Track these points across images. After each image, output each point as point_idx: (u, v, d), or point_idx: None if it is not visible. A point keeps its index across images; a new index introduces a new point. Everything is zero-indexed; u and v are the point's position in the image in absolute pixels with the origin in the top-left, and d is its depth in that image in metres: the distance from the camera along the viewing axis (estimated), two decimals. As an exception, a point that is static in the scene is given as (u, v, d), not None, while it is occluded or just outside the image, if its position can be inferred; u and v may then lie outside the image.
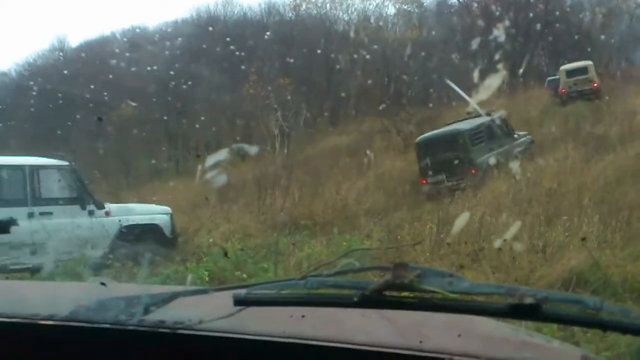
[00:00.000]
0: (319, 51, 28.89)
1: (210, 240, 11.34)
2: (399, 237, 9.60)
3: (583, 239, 7.11)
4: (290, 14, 35.50)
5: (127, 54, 31.79)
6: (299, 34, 32.00)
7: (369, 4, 35.62)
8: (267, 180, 15.13)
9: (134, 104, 24.99)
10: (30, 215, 9.24)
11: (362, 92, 28.02)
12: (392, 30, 35.01)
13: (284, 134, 24.93)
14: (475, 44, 16.07)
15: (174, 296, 1.54)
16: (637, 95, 19.12)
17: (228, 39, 28.86)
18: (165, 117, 26.22)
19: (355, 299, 1.32)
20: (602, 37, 28.37)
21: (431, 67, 27.03)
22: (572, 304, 1.33)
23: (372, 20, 35.08)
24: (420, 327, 1.53)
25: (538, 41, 29.37)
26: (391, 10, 36.02)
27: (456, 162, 13.36)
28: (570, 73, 23.32)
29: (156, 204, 11.56)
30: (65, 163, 10.27)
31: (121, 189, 20.83)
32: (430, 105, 23.51)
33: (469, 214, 8.76)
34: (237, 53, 26.08)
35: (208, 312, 1.48)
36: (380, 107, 21.77)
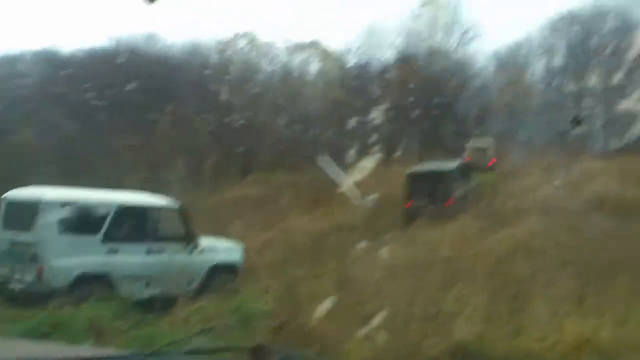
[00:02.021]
0: (238, 98, 29.02)
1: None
2: (296, 293, 9.62)
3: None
4: (214, 57, 35.52)
5: (31, 78, 30.72)
6: (220, 78, 32.03)
7: (293, 58, 36.26)
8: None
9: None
10: (148, 252, 10.19)
11: (277, 145, 28.25)
12: (313, 88, 35.71)
13: (191, 178, 24.63)
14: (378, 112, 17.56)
15: None
16: (530, 174, 20.28)
17: (145, 74, 28.49)
18: (65, 147, 25.29)
19: None
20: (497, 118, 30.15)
21: (346, 127, 27.66)
22: None
23: (295, 74, 35.65)
24: None
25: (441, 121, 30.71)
26: (314, 67, 36.83)
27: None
28: (475, 148, 25.09)
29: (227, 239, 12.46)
30: (178, 204, 11.06)
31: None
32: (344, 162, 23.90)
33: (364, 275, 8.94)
34: (153, 90, 25.77)
35: None
36: (294, 162, 22.01)
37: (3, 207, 10.09)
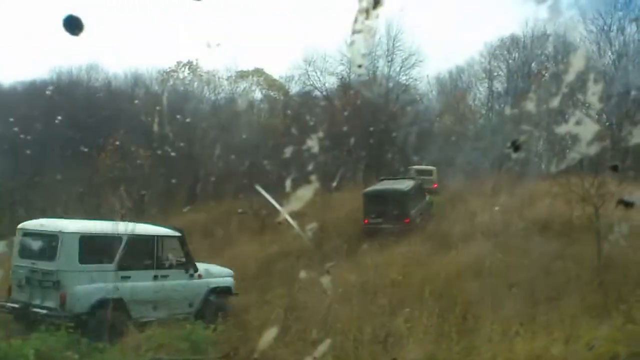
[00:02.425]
0: (181, 127, 28.65)
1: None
2: (246, 320, 9.43)
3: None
4: (155, 87, 35.16)
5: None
6: (162, 108, 31.61)
7: (236, 87, 36.17)
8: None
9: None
10: (155, 277, 10.82)
11: (223, 173, 27.94)
12: (257, 115, 35.64)
13: (137, 208, 24.11)
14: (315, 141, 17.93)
15: None
16: (476, 199, 20.54)
17: (88, 105, 27.97)
18: (6, 180, 24.55)
19: None
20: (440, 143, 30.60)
21: (289, 155, 27.53)
22: None
23: (238, 103, 35.55)
24: None
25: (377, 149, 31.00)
26: (258, 95, 36.79)
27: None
28: (419, 172, 25.36)
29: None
30: (179, 233, 11.65)
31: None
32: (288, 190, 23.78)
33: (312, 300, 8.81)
34: (97, 121, 25.29)
35: None
36: (240, 190, 21.77)
37: (19, 237, 10.66)
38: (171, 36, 53.60)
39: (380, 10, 2.18)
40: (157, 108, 27.40)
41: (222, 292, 11.86)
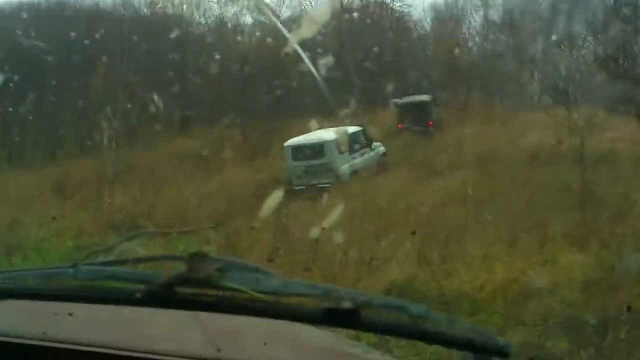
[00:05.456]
0: (172, 52, 28.31)
1: (41, 235, 10.78)
2: (236, 243, 9.69)
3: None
4: (145, 10, 34.51)
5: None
6: (152, 31, 31.18)
7: (226, 11, 35.53)
8: (106, 178, 14.64)
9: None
10: (363, 154, 18.34)
11: (215, 99, 27.84)
12: (249, 40, 35.12)
13: (128, 132, 24.12)
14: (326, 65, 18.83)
15: None
16: (467, 129, 20.76)
17: (76, 27, 27.45)
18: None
19: (139, 296, 1.10)
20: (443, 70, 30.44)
21: (286, 81, 27.43)
22: (394, 310, 1.17)
23: (229, 26, 34.99)
24: (220, 331, 1.27)
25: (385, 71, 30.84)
26: (248, 19, 36.14)
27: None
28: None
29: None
30: (363, 128, 18.84)
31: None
32: (282, 116, 23.84)
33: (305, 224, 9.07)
34: (85, 44, 24.91)
35: None
36: (231, 116, 21.79)
37: (290, 149, 17.46)
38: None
39: None
40: (148, 33, 27.06)
41: (383, 154, 18.88)
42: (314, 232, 9.18)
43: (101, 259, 1.16)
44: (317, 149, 17.30)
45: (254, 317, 1.15)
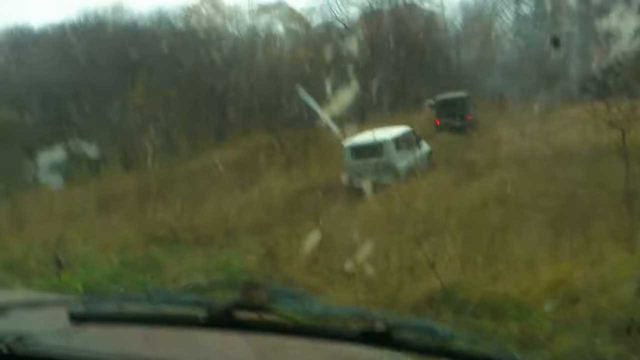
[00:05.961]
0: (207, 65, 28.67)
1: (86, 250, 10.99)
2: (276, 252, 9.72)
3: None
4: (180, 25, 35.05)
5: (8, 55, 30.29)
6: (188, 46, 31.64)
7: (258, 22, 35.88)
8: (148, 192, 14.85)
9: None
10: (414, 152, 18.82)
11: (250, 109, 28.08)
12: (281, 49, 35.37)
13: (167, 146, 24.49)
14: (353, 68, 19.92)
15: (4, 307, 1.36)
16: (505, 127, 20.47)
17: (116, 46, 28.03)
18: (42, 123, 25.03)
19: (202, 319, 1.22)
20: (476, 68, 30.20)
21: (317, 87, 27.47)
22: (423, 331, 1.29)
23: (261, 36, 35.34)
24: (272, 351, 1.43)
25: (417, 70, 30.73)
26: (280, 28, 36.45)
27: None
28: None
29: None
30: (411, 129, 19.66)
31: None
32: (315, 124, 23.87)
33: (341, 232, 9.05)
34: (125, 62, 25.40)
35: (42, 326, 1.31)
36: (266, 125, 21.91)
37: (348, 149, 17.45)
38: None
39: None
40: (183, 46, 27.43)
41: (430, 152, 19.46)
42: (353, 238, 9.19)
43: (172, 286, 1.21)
44: (377, 148, 17.42)
45: (300, 338, 1.27)
